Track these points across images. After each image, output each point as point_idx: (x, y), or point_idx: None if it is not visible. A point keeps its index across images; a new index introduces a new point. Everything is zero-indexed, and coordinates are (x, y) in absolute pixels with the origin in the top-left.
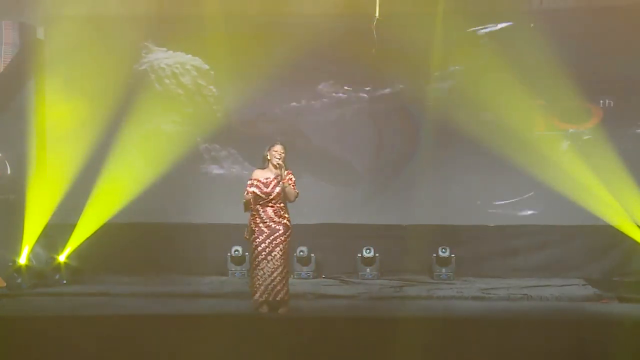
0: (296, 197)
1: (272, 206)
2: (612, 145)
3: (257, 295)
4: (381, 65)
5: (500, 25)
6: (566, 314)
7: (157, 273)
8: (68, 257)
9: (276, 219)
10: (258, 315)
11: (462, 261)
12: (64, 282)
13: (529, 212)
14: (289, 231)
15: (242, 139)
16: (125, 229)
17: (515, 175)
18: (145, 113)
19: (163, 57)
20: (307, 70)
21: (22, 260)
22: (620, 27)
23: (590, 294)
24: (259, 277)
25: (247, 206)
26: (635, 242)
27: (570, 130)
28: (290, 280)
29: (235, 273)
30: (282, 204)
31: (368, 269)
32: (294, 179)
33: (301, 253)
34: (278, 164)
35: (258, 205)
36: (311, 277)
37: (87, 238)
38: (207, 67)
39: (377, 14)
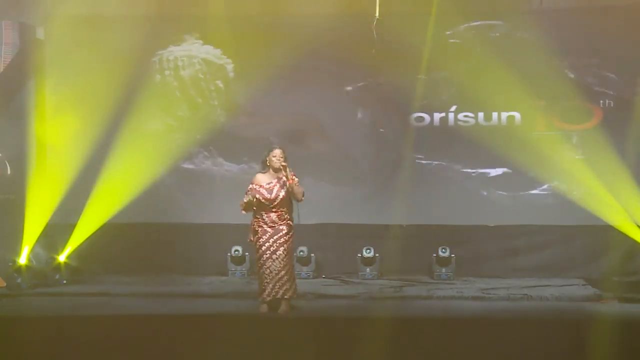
0: (303, 195)
1: (275, 211)
2: (612, 145)
3: (265, 294)
4: (381, 65)
5: (500, 25)
6: (566, 314)
7: (157, 273)
8: (68, 257)
9: (279, 222)
10: (258, 315)
11: (462, 261)
12: (64, 282)
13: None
14: (292, 231)
15: (242, 138)
16: (125, 229)
17: (515, 175)
18: (145, 113)
19: (176, 51)
20: (307, 70)
21: (22, 260)
22: (620, 27)
23: (590, 294)
24: (265, 275)
25: (249, 207)
26: (635, 242)
27: (570, 130)
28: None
29: (235, 273)
30: (284, 208)
31: (368, 269)
32: (296, 178)
33: (301, 253)
34: (282, 165)
35: (261, 211)
36: (311, 277)
37: (87, 238)
38: (205, 66)
39: (377, 14)
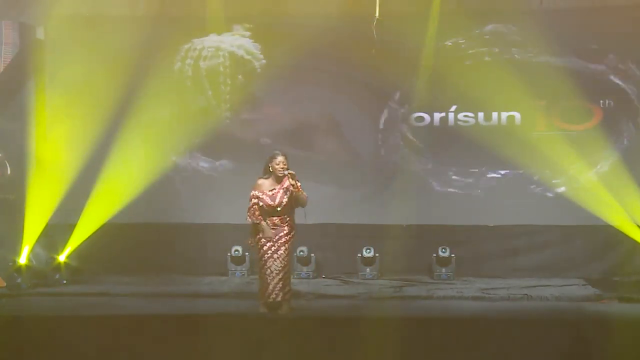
0: (306, 200)
1: (279, 216)
2: (612, 145)
3: (267, 292)
4: (381, 65)
5: (500, 25)
6: (566, 314)
7: (157, 273)
8: (68, 257)
9: (281, 225)
10: (258, 315)
11: (462, 261)
12: (64, 282)
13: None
14: (293, 231)
15: (242, 138)
16: (125, 229)
17: (515, 175)
18: (145, 113)
19: (206, 41)
20: (306, 70)
21: (22, 260)
22: (620, 26)
23: (590, 294)
24: (267, 275)
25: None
26: (635, 242)
27: (570, 130)
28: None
29: (235, 273)
30: (287, 214)
31: (368, 269)
32: (299, 183)
33: (301, 253)
34: (289, 174)
35: (264, 215)
36: (311, 277)
37: (87, 238)
38: (229, 60)
39: (377, 14)
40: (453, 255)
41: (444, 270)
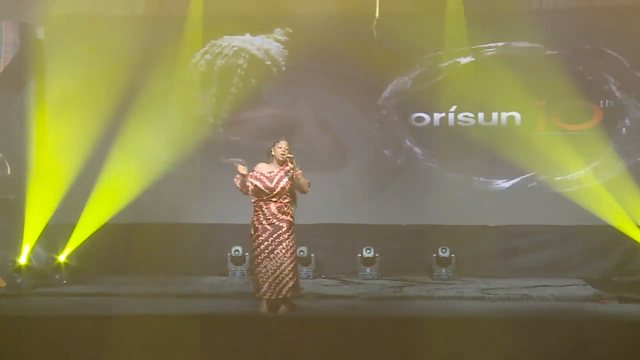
0: (308, 186)
1: (275, 202)
2: (612, 145)
3: (262, 292)
4: (381, 65)
5: (500, 26)
6: (566, 314)
7: (157, 273)
8: (68, 257)
9: (279, 215)
10: (258, 315)
11: (462, 261)
12: (64, 282)
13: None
14: (293, 227)
15: (242, 138)
16: (125, 229)
17: (515, 175)
18: (145, 113)
19: (232, 40)
20: (306, 70)
21: (22, 260)
22: (620, 26)
23: (590, 294)
24: (262, 274)
25: (239, 188)
26: (635, 242)
27: (570, 130)
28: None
29: (235, 273)
30: (286, 200)
31: (368, 269)
32: (299, 170)
33: (301, 253)
34: (288, 157)
35: (261, 202)
36: (311, 277)
37: (87, 238)
38: (248, 62)
39: (377, 14)
40: (453, 255)
41: (444, 270)
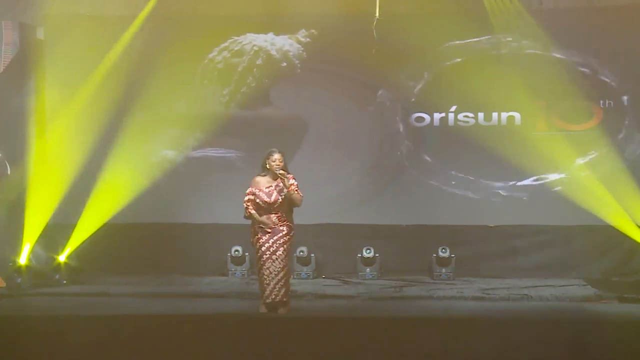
0: (301, 201)
1: (275, 213)
2: (612, 145)
3: (265, 294)
4: (381, 65)
5: (500, 26)
6: (566, 314)
7: (157, 273)
8: (68, 257)
9: (279, 223)
10: (258, 315)
11: (462, 261)
12: (64, 282)
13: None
14: (292, 232)
15: (242, 138)
16: (125, 229)
17: (515, 175)
18: (146, 113)
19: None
20: (306, 70)
21: (22, 260)
22: (620, 26)
23: (590, 294)
24: (265, 276)
25: (250, 218)
26: (635, 242)
27: (570, 130)
28: (290, 280)
29: (235, 273)
30: (284, 212)
31: (368, 269)
32: (295, 182)
33: (301, 253)
34: (280, 173)
35: (261, 211)
36: (311, 277)
37: (87, 238)
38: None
39: (377, 14)
40: (453, 255)
41: (444, 270)
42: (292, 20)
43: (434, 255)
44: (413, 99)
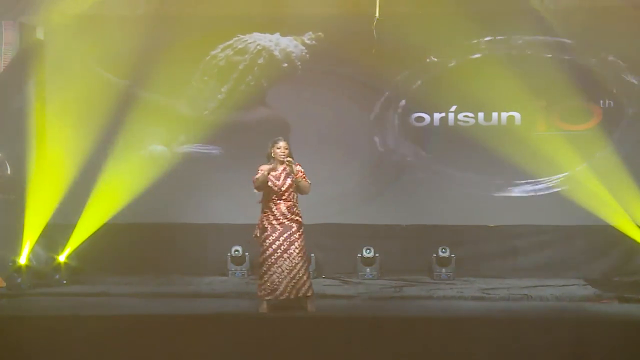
0: (309, 188)
1: (285, 201)
2: (612, 145)
3: (278, 292)
4: (381, 65)
5: (500, 26)
6: (566, 314)
7: (157, 273)
8: (68, 257)
9: (289, 215)
10: (258, 315)
11: (462, 261)
12: (64, 282)
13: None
14: (302, 228)
15: (242, 138)
16: (125, 229)
17: (515, 175)
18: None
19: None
20: (306, 70)
21: (22, 260)
22: (621, 26)
23: (590, 294)
24: (277, 274)
25: (263, 181)
26: (635, 242)
27: (570, 130)
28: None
29: (235, 273)
30: (295, 199)
31: (368, 269)
32: (302, 170)
33: None
34: (287, 160)
35: (270, 202)
36: (311, 277)
37: (87, 238)
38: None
39: (377, 14)
40: (453, 255)
41: (444, 270)
42: (297, 21)
43: (434, 255)
44: (413, 99)
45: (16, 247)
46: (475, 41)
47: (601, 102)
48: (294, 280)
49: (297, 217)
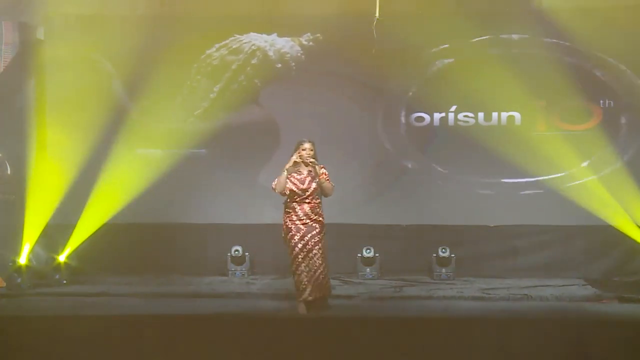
0: (332, 190)
1: (309, 203)
2: (612, 145)
3: (307, 294)
4: (381, 65)
5: (500, 25)
6: (566, 314)
7: (157, 273)
8: (68, 257)
9: (313, 216)
10: (258, 315)
11: (462, 261)
12: (64, 282)
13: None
14: (325, 229)
15: (242, 139)
16: (125, 229)
17: (515, 175)
18: (146, 113)
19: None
20: (306, 71)
21: (22, 260)
22: (620, 26)
23: (590, 294)
24: (305, 274)
25: (282, 184)
26: (635, 242)
27: (570, 130)
28: (290, 280)
29: (235, 273)
30: (318, 200)
31: (368, 269)
32: (327, 172)
33: None
34: (311, 162)
35: (294, 203)
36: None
37: (87, 238)
38: (261, 61)
39: (377, 14)
40: (453, 255)
41: (444, 270)
42: (296, 22)
43: (434, 255)
44: (413, 99)
45: (16, 247)
46: (475, 41)
47: (601, 102)
48: (318, 281)
49: (320, 218)
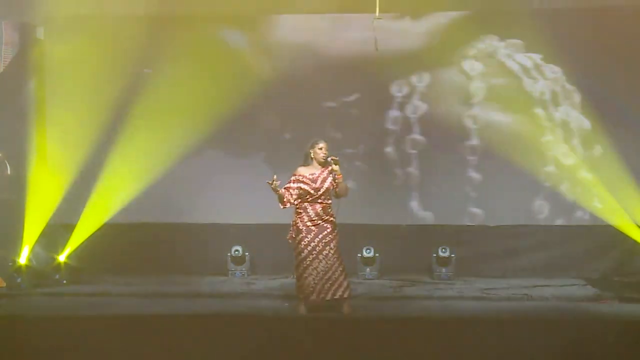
0: (348, 190)
1: (321, 203)
2: (612, 145)
3: (315, 294)
4: (381, 65)
5: (499, 25)
6: (566, 314)
7: (157, 273)
8: (68, 257)
9: (325, 216)
10: (258, 315)
11: (462, 261)
12: (64, 282)
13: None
14: (336, 228)
15: (242, 139)
16: (125, 229)
17: (515, 175)
18: (146, 113)
19: None
20: (306, 71)
21: (22, 260)
22: (619, 26)
23: (590, 294)
24: (312, 276)
25: (281, 200)
26: (635, 242)
27: (570, 130)
28: (290, 280)
29: (235, 273)
30: (330, 201)
31: (368, 269)
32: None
33: None
34: (332, 158)
35: (306, 203)
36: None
37: (87, 238)
38: None
39: (377, 14)
40: (453, 255)
41: (444, 270)
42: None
43: (434, 255)
44: (414, 99)
45: (16, 247)
46: (475, 41)
47: (601, 102)
48: (330, 282)
49: (332, 218)
